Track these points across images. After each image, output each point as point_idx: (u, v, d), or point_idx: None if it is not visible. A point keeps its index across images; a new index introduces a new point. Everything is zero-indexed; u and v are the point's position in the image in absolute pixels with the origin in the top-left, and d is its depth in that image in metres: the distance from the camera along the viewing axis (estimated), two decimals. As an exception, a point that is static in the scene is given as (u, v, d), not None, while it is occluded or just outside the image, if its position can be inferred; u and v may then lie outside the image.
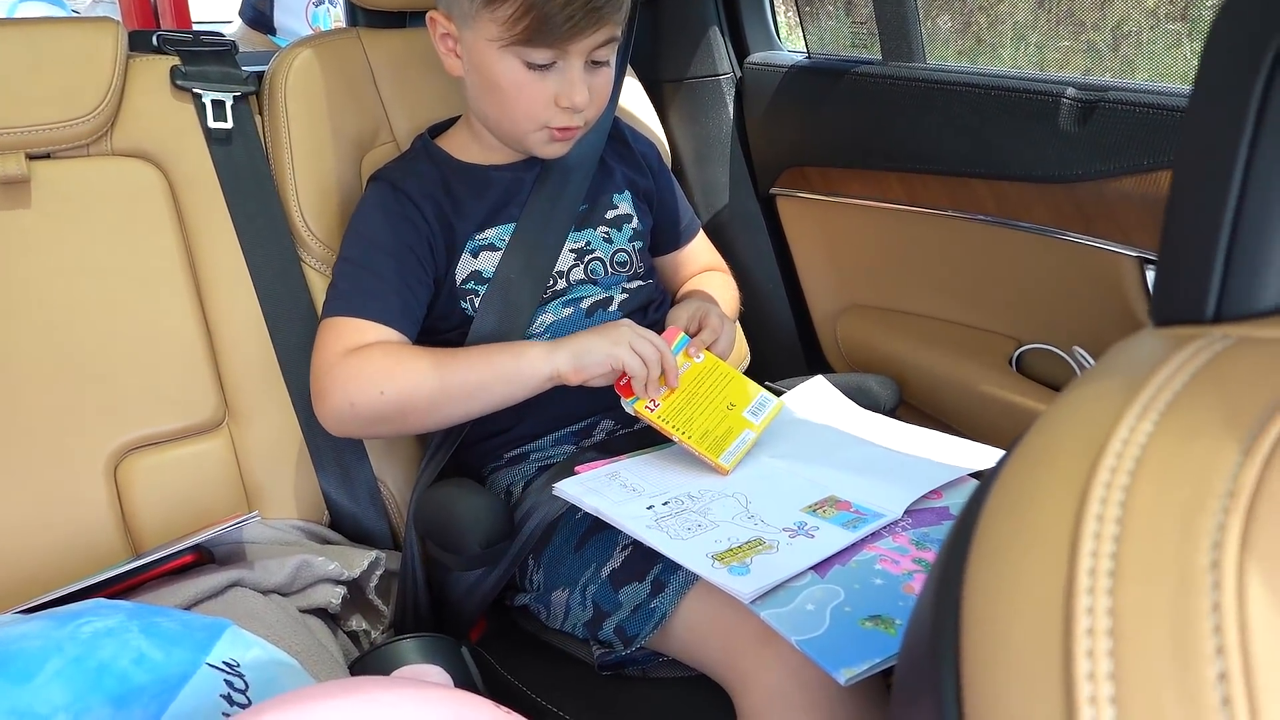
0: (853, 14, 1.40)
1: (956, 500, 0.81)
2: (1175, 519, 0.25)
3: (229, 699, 0.58)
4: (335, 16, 2.38)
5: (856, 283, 1.28)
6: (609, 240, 1.02)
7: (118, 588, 0.79)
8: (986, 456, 0.86)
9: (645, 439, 0.92)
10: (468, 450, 0.99)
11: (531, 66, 0.89)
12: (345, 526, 1.01)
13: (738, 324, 1.30)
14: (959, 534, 0.31)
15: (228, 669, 0.60)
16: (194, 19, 2.20)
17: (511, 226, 0.97)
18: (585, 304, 0.98)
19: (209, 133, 1.01)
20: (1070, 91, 0.96)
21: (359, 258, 0.94)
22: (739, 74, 1.37)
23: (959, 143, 1.06)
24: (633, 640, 0.78)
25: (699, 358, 0.92)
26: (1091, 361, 1.01)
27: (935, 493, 0.82)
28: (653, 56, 1.38)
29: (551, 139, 0.94)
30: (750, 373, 1.30)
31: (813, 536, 0.73)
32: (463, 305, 0.95)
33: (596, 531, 0.85)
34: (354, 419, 0.88)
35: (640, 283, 1.03)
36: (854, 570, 0.70)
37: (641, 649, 0.80)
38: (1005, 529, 0.28)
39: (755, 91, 1.34)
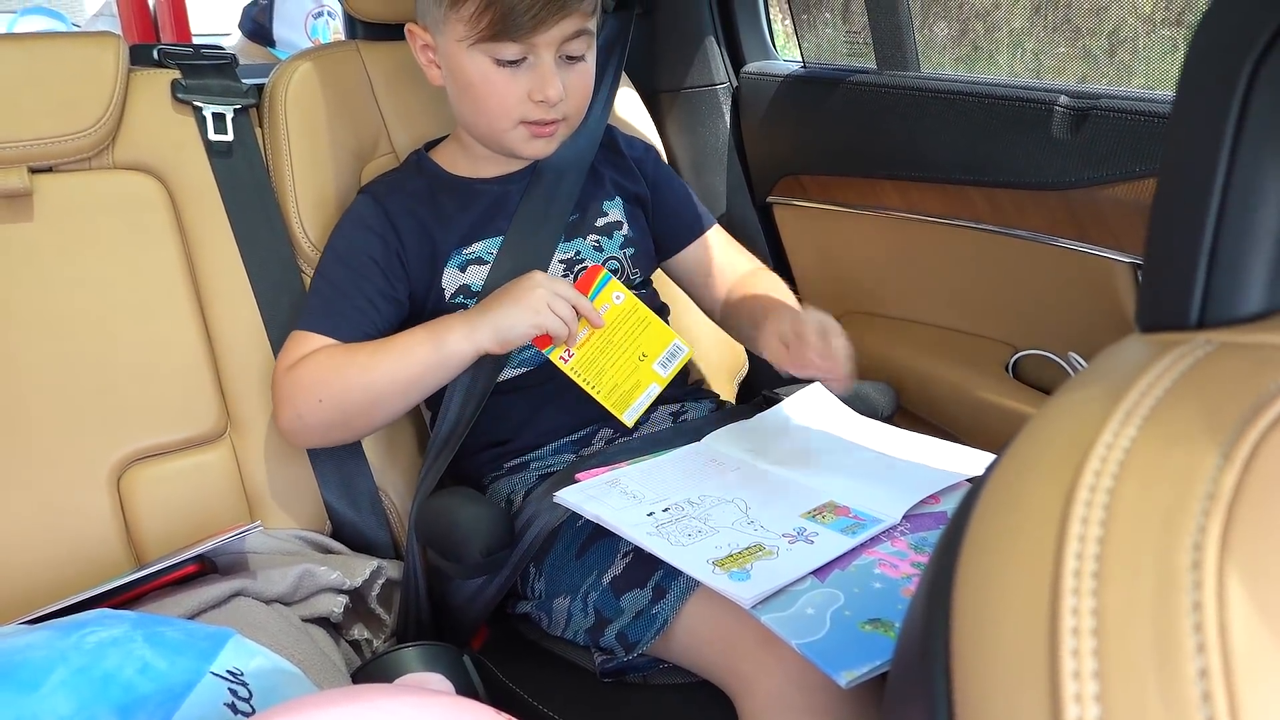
0: (848, 23, 1.41)
1: (954, 505, 0.81)
2: (1157, 521, 0.25)
3: (233, 707, 0.59)
4: (334, 29, 2.39)
5: (853, 290, 1.29)
6: (599, 249, 1.02)
7: (122, 598, 0.80)
8: (981, 461, 0.86)
9: (645, 446, 0.93)
10: (468, 460, 1.00)
11: (502, 63, 0.90)
12: (347, 536, 1.02)
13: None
14: (950, 536, 0.31)
15: (231, 678, 0.61)
16: (194, 32, 2.21)
17: (499, 239, 0.98)
18: None
19: (210, 145, 1.02)
20: (1063, 100, 0.97)
21: (321, 270, 0.98)
22: (735, 84, 1.38)
23: (954, 150, 1.07)
24: (634, 646, 0.79)
25: (619, 299, 0.94)
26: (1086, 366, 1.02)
27: (933, 498, 0.82)
28: (649, 67, 1.39)
29: (531, 136, 0.94)
30: (748, 381, 1.31)
31: (812, 542, 0.74)
32: None
33: (598, 539, 0.85)
34: (305, 429, 0.92)
35: (636, 291, 1.04)
36: (853, 574, 0.70)
37: (643, 655, 0.80)
38: (994, 531, 0.29)
39: (752, 101, 1.35)
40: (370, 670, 0.79)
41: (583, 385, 0.90)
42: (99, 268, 0.96)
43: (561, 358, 0.90)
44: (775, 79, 1.31)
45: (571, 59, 0.92)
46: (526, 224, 0.98)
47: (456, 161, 1.02)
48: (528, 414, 0.98)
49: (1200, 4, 1.29)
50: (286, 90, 1.04)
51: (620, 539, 0.83)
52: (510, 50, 0.89)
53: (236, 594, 0.83)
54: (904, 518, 0.78)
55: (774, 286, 1.07)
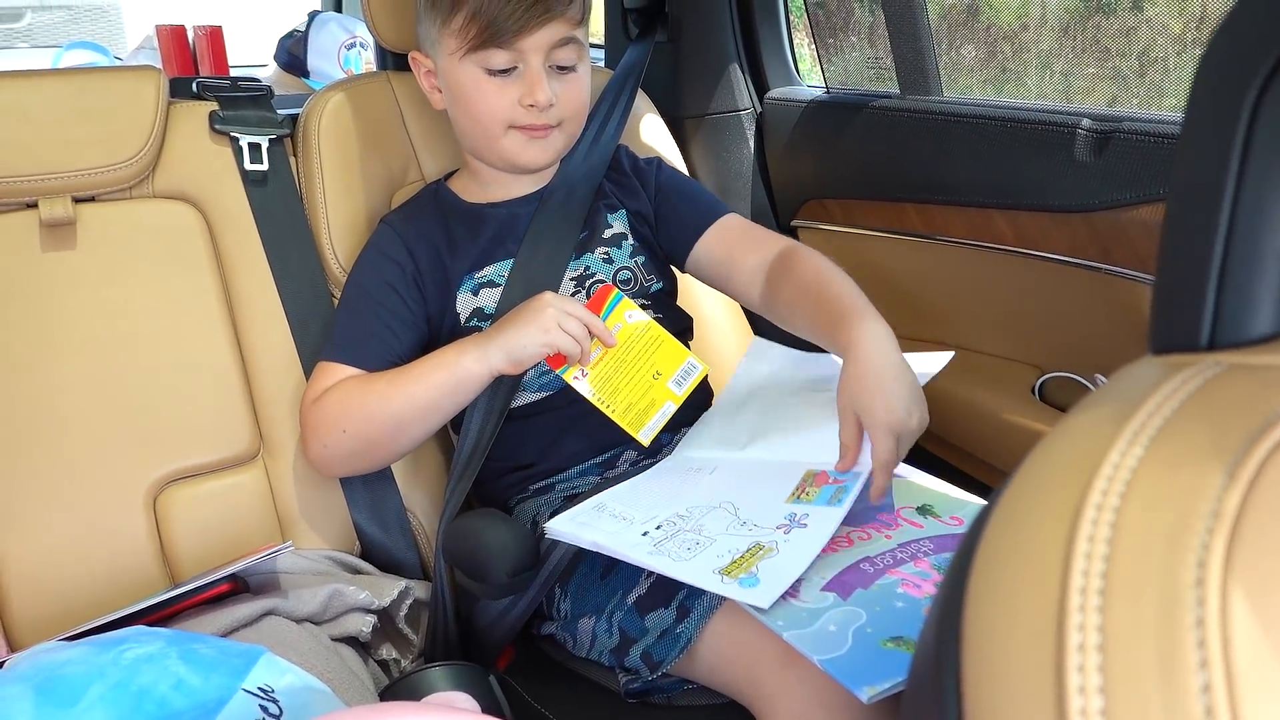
0: (871, 48, 1.43)
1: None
2: (1162, 539, 0.26)
3: (264, 723, 0.60)
4: (366, 59, 2.44)
5: (880, 313, 1.29)
6: (609, 260, 1.03)
7: (157, 616, 0.81)
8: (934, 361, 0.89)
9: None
10: (494, 483, 1.01)
11: (492, 72, 0.93)
12: (375, 556, 1.03)
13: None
14: (962, 554, 0.32)
15: (263, 694, 0.62)
16: (231, 64, 2.26)
17: (510, 262, 0.99)
18: None
19: (245, 174, 1.05)
20: (1085, 123, 0.97)
21: (344, 301, 1.01)
22: (759, 109, 1.39)
23: (976, 174, 1.08)
24: (659, 665, 0.79)
25: (632, 317, 0.94)
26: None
27: (957, 519, 0.82)
28: (674, 93, 1.41)
29: (526, 140, 0.96)
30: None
31: (805, 525, 0.74)
32: None
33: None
34: (332, 459, 0.94)
35: (652, 301, 1.04)
36: (876, 593, 0.71)
37: (667, 675, 0.80)
38: (1003, 550, 0.30)
39: (775, 126, 1.36)
40: (398, 689, 0.80)
41: (597, 404, 0.91)
42: (138, 294, 0.99)
43: (575, 377, 0.91)
44: (799, 104, 1.32)
45: (563, 69, 0.95)
46: (536, 245, 0.99)
47: (469, 188, 1.05)
48: (552, 439, 0.99)
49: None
50: (320, 120, 1.07)
51: (644, 560, 0.83)
52: (499, 58, 0.92)
53: (268, 613, 0.84)
54: (928, 538, 0.78)
55: (820, 272, 0.93)
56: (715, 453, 0.89)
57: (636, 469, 0.96)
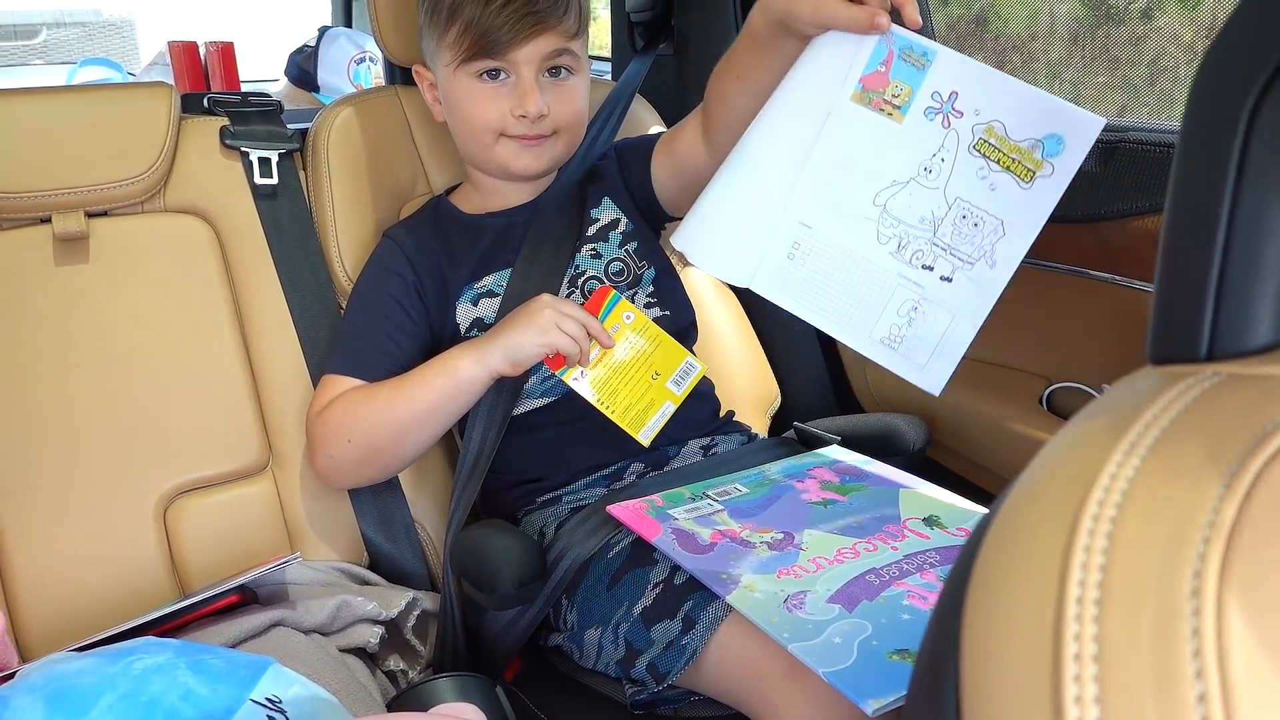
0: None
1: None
2: (1158, 550, 0.26)
3: (271, 734, 0.60)
4: (375, 73, 2.46)
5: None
6: (598, 256, 1.03)
7: (166, 626, 0.82)
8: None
9: (677, 480, 0.93)
10: (501, 495, 1.02)
11: (486, 82, 0.94)
12: (383, 567, 1.03)
13: (768, 364, 1.32)
14: (961, 564, 0.32)
15: (270, 705, 0.62)
16: (242, 79, 2.29)
17: (508, 272, 1.00)
18: None
19: (256, 189, 1.06)
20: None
21: (347, 314, 1.02)
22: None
23: (983, 184, 1.08)
24: (665, 677, 0.79)
25: (630, 318, 0.95)
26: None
27: (964, 530, 0.82)
28: (679, 104, 1.41)
29: (520, 149, 0.97)
30: (780, 414, 1.32)
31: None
32: None
33: (629, 570, 0.86)
34: (339, 470, 0.95)
35: (652, 288, 1.04)
36: (882, 606, 0.70)
37: (673, 687, 0.80)
38: (1001, 560, 0.30)
39: (782, 137, 1.36)
40: (405, 700, 0.80)
41: (596, 405, 0.92)
42: (149, 307, 1.00)
43: (574, 378, 0.92)
44: (805, 116, 1.32)
45: (557, 78, 0.96)
46: (533, 254, 1.00)
47: (469, 199, 1.06)
48: (559, 453, 0.99)
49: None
50: (329, 134, 1.08)
51: (651, 569, 0.84)
52: (491, 68, 0.94)
53: (276, 624, 0.85)
54: (934, 550, 0.78)
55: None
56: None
57: (644, 480, 0.96)
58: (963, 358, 0.75)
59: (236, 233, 1.05)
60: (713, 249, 0.85)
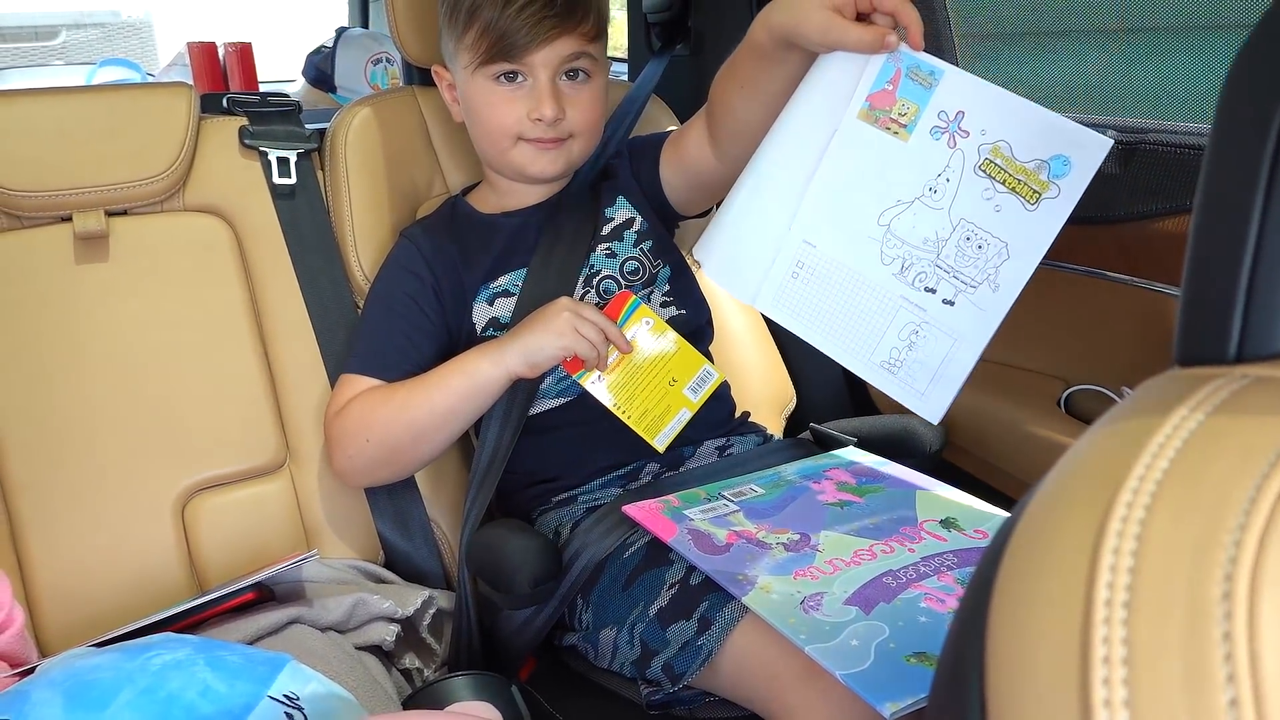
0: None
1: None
2: (1188, 552, 0.26)
3: (288, 731, 0.60)
4: (392, 74, 2.47)
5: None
6: (613, 255, 1.03)
7: (184, 623, 0.82)
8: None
9: (692, 480, 0.93)
10: (516, 495, 1.02)
11: (501, 83, 0.94)
12: (399, 566, 1.04)
13: (783, 364, 1.32)
14: (985, 566, 0.32)
15: (288, 702, 0.62)
16: (260, 80, 2.30)
17: (523, 272, 1.00)
18: None
19: (274, 188, 1.06)
20: (1110, 133, 0.96)
21: (364, 314, 1.02)
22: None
23: (1001, 185, 1.07)
24: (680, 678, 0.79)
25: (649, 324, 0.95)
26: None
27: (981, 532, 0.82)
28: (696, 105, 1.41)
29: (536, 152, 0.97)
30: (795, 415, 1.31)
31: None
32: None
33: (645, 570, 0.86)
34: (357, 469, 0.96)
35: (668, 287, 1.04)
36: (899, 608, 0.70)
37: (689, 688, 0.80)
38: (1027, 562, 0.29)
39: (798, 138, 1.36)
40: (420, 698, 0.81)
41: (613, 410, 0.92)
42: (168, 305, 1.00)
43: (591, 382, 0.92)
44: (821, 116, 1.32)
45: (575, 81, 0.96)
46: (548, 253, 1.00)
47: (486, 200, 1.06)
48: (575, 454, 0.99)
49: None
50: (347, 135, 1.08)
51: (667, 570, 0.83)
52: (508, 70, 0.94)
53: (293, 621, 0.85)
54: (951, 552, 0.78)
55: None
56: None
57: (659, 481, 0.96)
58: (962, 386, 0.73)
59: (255, 232, 1.05)
60: (723, 264, 0.85)
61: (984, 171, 0.71)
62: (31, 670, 0.67)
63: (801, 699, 0.71)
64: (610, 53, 1.07)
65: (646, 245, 1.04)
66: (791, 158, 0.80)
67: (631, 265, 1.03)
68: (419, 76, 1.22)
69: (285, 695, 0.63)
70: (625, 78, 1.45)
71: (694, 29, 1.37)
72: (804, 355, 1.35)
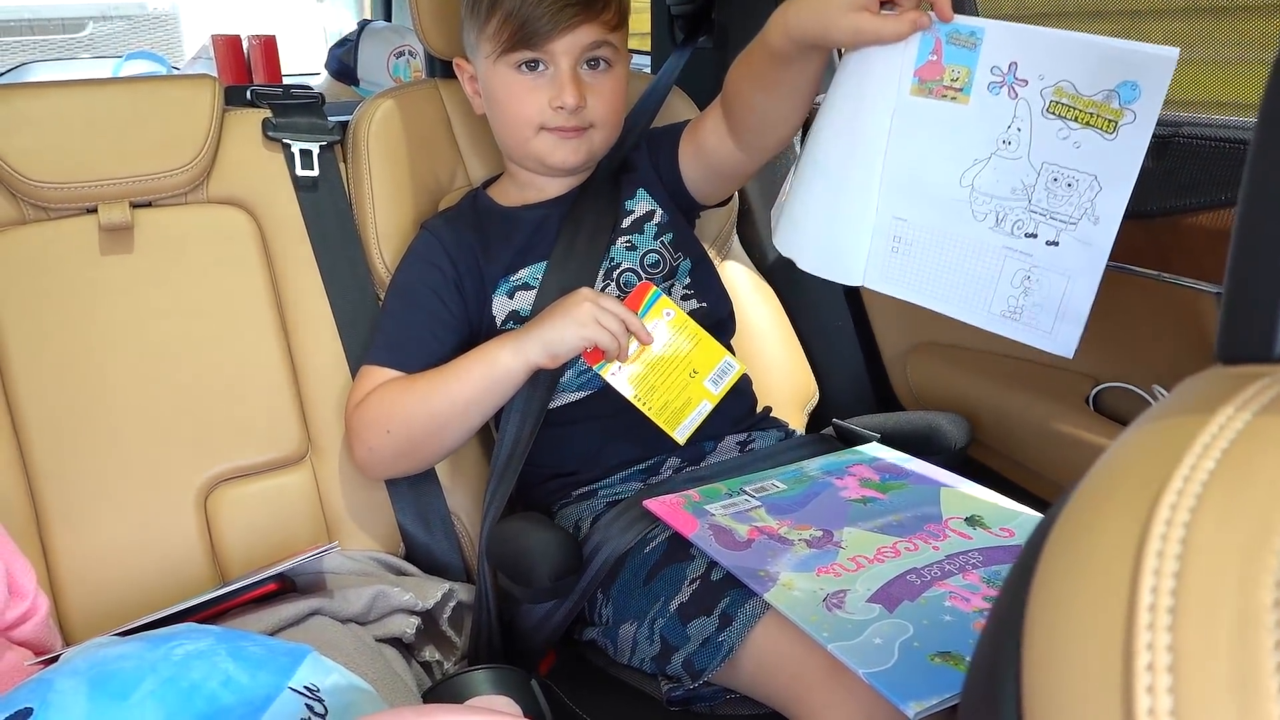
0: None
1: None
2: (1236, 556, 0.25)
3: (309, 722, 0.60)
4: (415, 67, 2.48)
5: (926, 319, 1.26)
6: (633, 248, 1.02)
7: (206, 613, 0.83)
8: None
9: (713, 475, 0.93)
10: (536, 488, 1.02)
11: (523, 72, 0.94)
12: (420, 558, 1.04)
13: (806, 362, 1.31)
14: (1021, 569, 0.31)
15: (309, 693, 0.62)
16: (284, 73, 2.31)
17: (544, 264, 0.99)
18: None
19: (297, 180, 1.07)
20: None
21: (385, 306, 1.02)
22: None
23: (1029, 179, 1.05)
24: (700, 674, 0.78)
25: (670, 315, 0.94)
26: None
27: (1007, 530, 0.80)
28: (717, 95, 1.40)
29: (557, 141, 0.97)
30: (818, 411, 1.30)
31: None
32: None
33: (665, 565, 0.85)
34: (377, 461, 0.96)
35: (689, 280, 1.03)
36: (923, 607, 0.69)
37: (709, 684, 0.80)
38: (1066, 565, 0.29)
39: (822, 131, 1.35)
40: (440, 691, 0.81)
41: (633, 402, 0.91)
42: (192, 296, 1.01)
43: (612, 374, 0.92)
44: (846, 109, 1.31)
45: (596, 70, 0.95)
46: (569, 247, 1.00)
47: (507, 193, 1.06)
48: (595, 447, 0.99)
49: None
50: (369, 127, 1.08)
51: (688, 565, 0.83)
52: (529, 59, 0.94)
53: (314, 613, 0.85)
54: (977, 550, 0.77)
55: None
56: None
57: (680, 475, 0.95)
58: (1089, 316, 0.73)
59: (277, 224, 1.06)
60: (820, 257, 0.86)
61: (1053, 113, 0.70)
62: (56, 658, 0.68)
63: (824, 697, 0.70)
64: (632, 45, 1.06)
65: (667, 238, 1.04)
66: (856, 148, 0.81)
67: (652, 258, 1.02)
68: (441, 69, 1.22)
69: (306, 686, 0.63)
70: (648, 70, 1.45)
71: (717, 21, 1.36)
72: (827, 351, 1.34)
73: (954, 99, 0.74)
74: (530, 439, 0.95)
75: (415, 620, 0.90)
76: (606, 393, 0.94)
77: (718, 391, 0.94)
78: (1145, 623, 0.25)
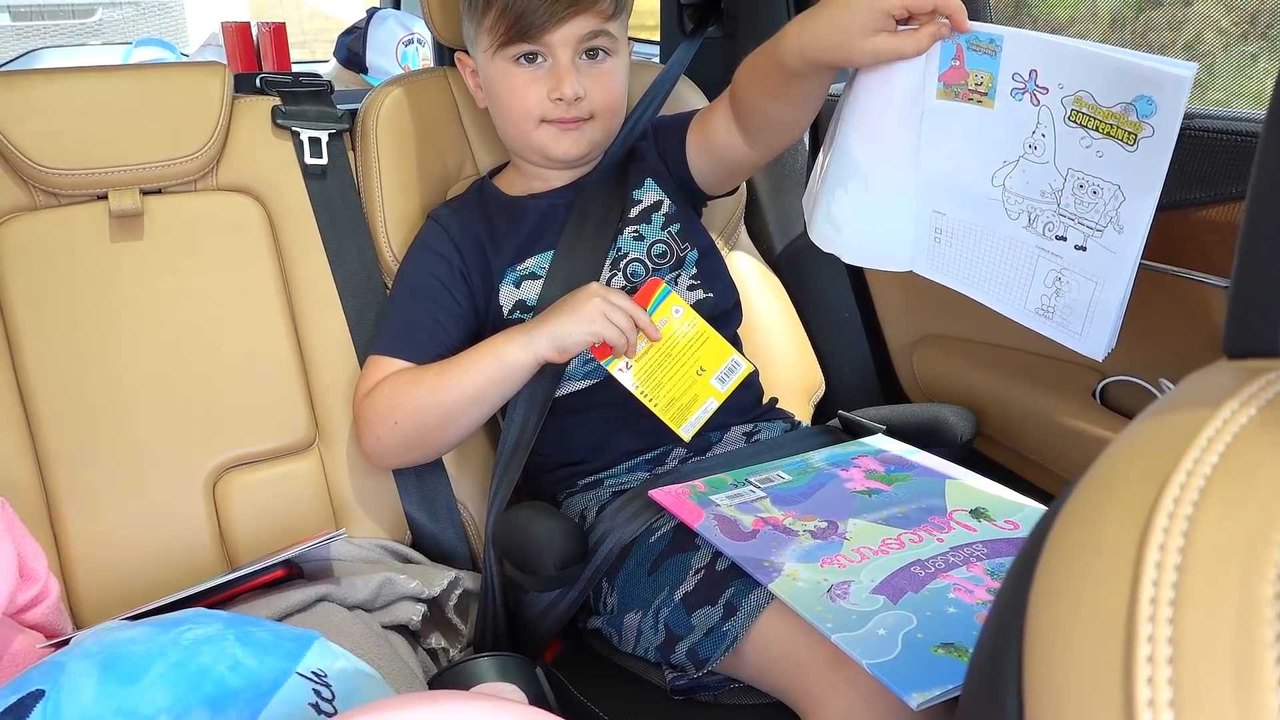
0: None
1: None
2: (1238, 549, 0.25)
3: (316, 707, 0.61)
4: (424, 55, 2.47)
5: (933, 312, 1.27)
6: (640, 238, 1.02)
7: (215, 599, 0.83)
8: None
9: (719, 465, 0.93)
10: (542, 477, 1.02)
11: (521, 65, 0.95)
12: (426, 546, 1.04)
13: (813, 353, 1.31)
14: (1024, 560, 0.31)
15: (316, 679, 0.63)
16: (293, 60, 2.31)
17: (550, 254, 1.00)
18: None
19: (306, 168, 1.07)
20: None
21: (393, 295, 1.02)
22: (814, 104, 1.37)
23: (1038, 171, 1.05)
24: (704, 663, 0.79)
25: (678, 312, 0.94)
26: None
27: (1012, 523, 0.81)
28: (726, 85, 1.40)
29: (559, 133, 0.97)
30: (824, 402, 1.30)
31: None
32: None
33: (670, 555, 0.86)
34: (385, 451, 0.96)
35: (695, 270, 1.03)
36: (927, 598, 0.69)
37: (713, 673, 0.80)
38: (1069, 557, 0.29)
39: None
40: (446, 678, 0.81)
41: (639, 397, 0.92)
42: (201, 284, 1.01)
43: (619, 369, 0.92)
44: (855, 100, 1.30)
45: (595, 60, 0.95)
46: (576, 237, 1.00)
47: (513, 183, 1.06)
48: (601, 437, 0.99)
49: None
50: (378, 115, 1.08)
51: (693, 555, 0.83)
52: (528, 51, 0.94)
53: (321, 599, 0.86)
54: (981, 542, 0.77)
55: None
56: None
57: (686, 466, 0.95)
58: (1120, 324, 0.74)
59: (286, 212, 1.06)
60: (866, 252, 0.89)
61: (1074, 122, 0.71)
62: (66, 642, 0.69)
63: (827, 687, 0.71)
64: (644, 35, 1.06)
65: (674, 228, 1.04)
66: (891, 150, 0.82)
67: (659, 248, 1.02)
68: (450, 57, 1.22)
69: (313, 672, 0.64)
70: (657, 60, 1.44)
71: (727, 11, 1.36)
72: (833, 343, 1.34)
73: (980, 102, 0.75)
74: (536, 428, 0.96)
75: (421, 607, 0.91)
76: (612, 382, 0.94)
77: (724, 390, 0.94)
78: (1147, 614, 0.25)
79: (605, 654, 0.94)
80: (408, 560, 1.01)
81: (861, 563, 0.75)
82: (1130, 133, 0.68)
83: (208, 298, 1.01)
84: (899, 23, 0.75)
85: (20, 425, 0.93)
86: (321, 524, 1.01)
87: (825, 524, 0.81)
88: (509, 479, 0.96)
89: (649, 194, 1.05)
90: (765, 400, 1.08)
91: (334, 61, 2.61)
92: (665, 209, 1.04)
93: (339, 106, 1.11)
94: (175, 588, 0.85)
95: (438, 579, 0.93)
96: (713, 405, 0.93)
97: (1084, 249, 0.74)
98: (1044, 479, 1.12)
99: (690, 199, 1.07)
